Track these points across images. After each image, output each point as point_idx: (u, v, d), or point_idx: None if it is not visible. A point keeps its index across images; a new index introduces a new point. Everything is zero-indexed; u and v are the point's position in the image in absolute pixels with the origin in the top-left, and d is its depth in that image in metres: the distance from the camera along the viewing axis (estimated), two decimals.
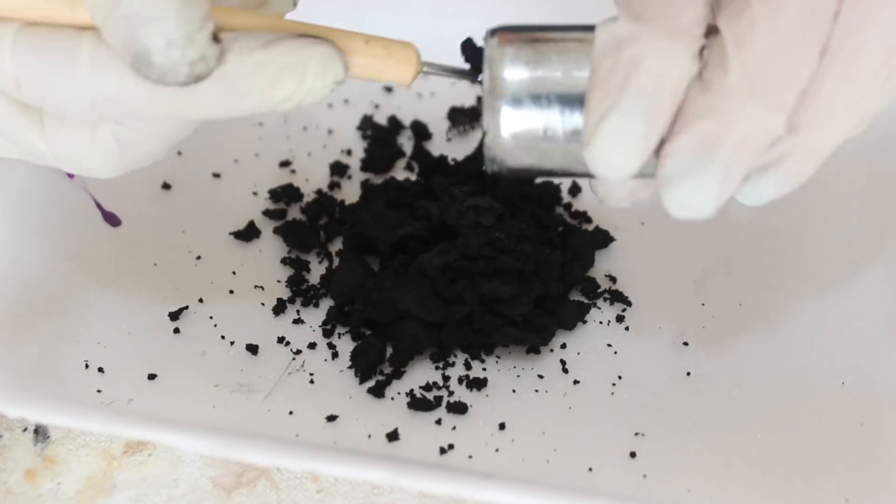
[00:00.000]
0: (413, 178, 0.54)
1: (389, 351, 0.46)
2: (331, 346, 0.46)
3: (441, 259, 0.45)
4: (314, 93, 0.32)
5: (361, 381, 0.45)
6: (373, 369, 0.45)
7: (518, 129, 0.33)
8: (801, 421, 0.44)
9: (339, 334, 0.47)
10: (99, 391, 0.44)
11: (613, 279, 0.49)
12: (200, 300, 0.48)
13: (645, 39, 0.30)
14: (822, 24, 0.30)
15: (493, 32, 0.34)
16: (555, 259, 0.47)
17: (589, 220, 0.52)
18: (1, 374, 0.43)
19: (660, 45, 0.30)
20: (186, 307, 0.47)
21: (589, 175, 0.33)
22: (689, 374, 0.46)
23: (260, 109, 0.32)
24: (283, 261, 0.49)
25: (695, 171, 0.31)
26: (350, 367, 0.45)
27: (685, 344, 0.47)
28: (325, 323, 0.47)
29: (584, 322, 0.47)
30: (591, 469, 0.42)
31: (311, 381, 0.45)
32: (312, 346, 0.46)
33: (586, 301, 0.48)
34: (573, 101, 0.33)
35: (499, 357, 0.46)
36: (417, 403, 0.44)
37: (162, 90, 0.31)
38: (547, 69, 0.33)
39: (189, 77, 0.30)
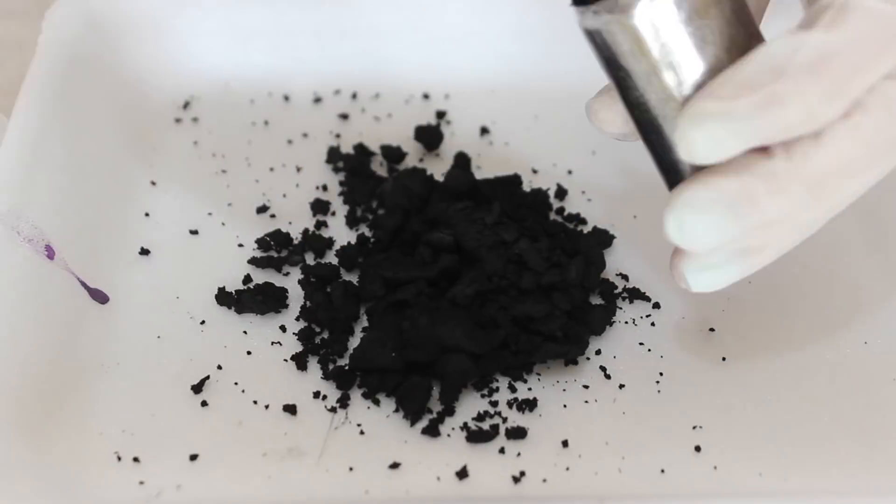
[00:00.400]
0: None
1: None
2: (367, 395, 0.44)
3: (473, 288, 0.44)
4: None
5: (413, 423, 0.43)
6: (423, 409, 0.43)
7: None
8: (838, 387, 0.45)
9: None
10: (142, 483, 0.41)
11: (626, 277, 0.50)
12: (219, 367, 0.45)
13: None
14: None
15: None
16: (574, 267, 0.47)
17: (584, 222, 0.52)
18: (33, 482, 0.40)
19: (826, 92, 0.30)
20: (208, 377, 0.45)
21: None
22: (724, 359, 0.46)
23: None
24: (298, 316, 0.47)
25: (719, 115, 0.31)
26: (396, 412, 0.44)
27: (711, 330, 0.48)
28: (360, 385, 0.45)
29: (611, 325, 0.47)
30: (663, 471, 0.42)
31: (362, 433, 0.43)
32: (349, 396, 0.44)
33: (607, 303, 0.48)
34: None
35: (539, 374, 0.45)
36: (476, 436, 0.43)
37: None
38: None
39: None
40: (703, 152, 0.32)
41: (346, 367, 0.45)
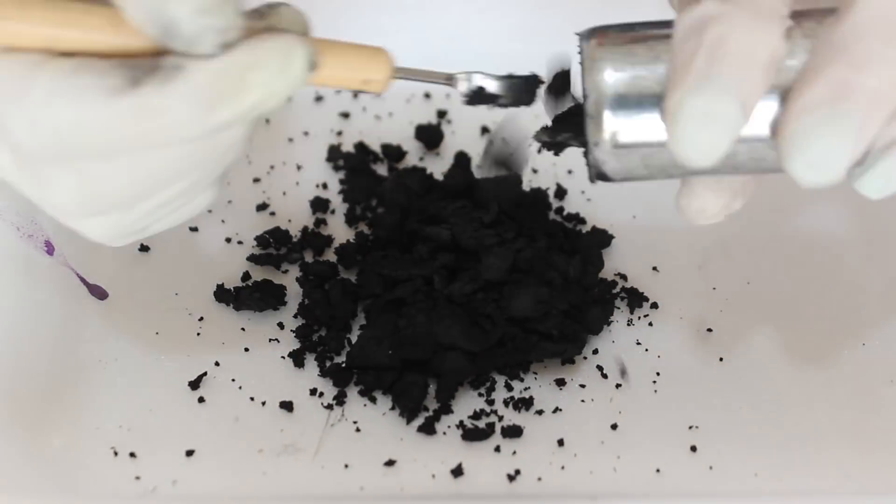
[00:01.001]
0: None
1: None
2: (364, 392, 0.44)
3: (471, 286, 0.45)
4: (287, 87, 0.30)
5: (409, 421, 0.43)
6: (419, 407, 0.44)
7: (623, 133, 0.32)
8: (835, 388, 0.46)
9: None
10: (138, 478, 0.41)
11: (624, 277, 0.50)
12: (217, 363, 0.45)
13: (731, 17, 0.29)
14: None
15: (589, 36, 0.32)
16: (572, 266, 0.47)
17: (583, 221, 0.52)
18: (31, 476, 0.40)
19: (747, 23, 0.29)
20: (205, 373, 0.45)
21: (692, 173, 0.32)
22: (721, 359, 0.46)
23: (234, 120, 0.29)
24: (296, 314, 0.47)
25: (830, 123, 0.29)
26: (392, 409, 0.44)
27: (709, 330, 0.48)
28: (357, 382, 0.45)
29: (609, 324, 0.47)
30: (658, 470, 0.42)
31: (358, 430, 0.43)
32: (345, 393, 0.44)
33: (605, 303, 0.48)
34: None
35: (536, 373, 0.46)
36: (471, 434, 0.43)
37: (123, 111, 0.28)
38: (644, 68, 0.31)
39: (214, 46, 0.28)
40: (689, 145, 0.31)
41: (343, 365, 0.45)
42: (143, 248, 0.50)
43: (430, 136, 0.55)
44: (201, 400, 0.44)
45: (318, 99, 0.58)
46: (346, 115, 0.57)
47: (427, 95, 0.58)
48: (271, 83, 0.29)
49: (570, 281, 0.46)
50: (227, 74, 0.29)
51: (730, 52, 0.29)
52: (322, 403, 0.44)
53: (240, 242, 0.50)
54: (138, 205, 0.31)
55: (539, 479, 0.42)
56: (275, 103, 0.30)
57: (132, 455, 0.42)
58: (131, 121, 0.28)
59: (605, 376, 0.45)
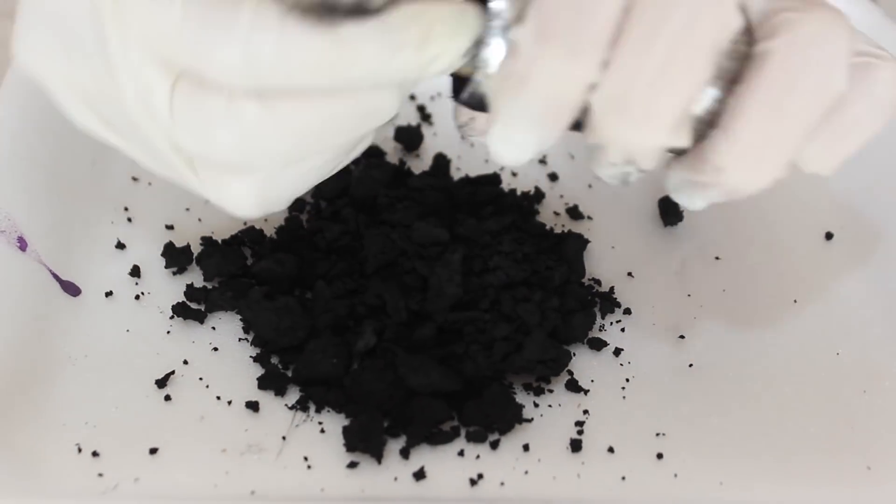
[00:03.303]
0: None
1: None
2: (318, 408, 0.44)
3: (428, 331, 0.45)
4: (458, 51, 0.30)
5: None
6: (379, 450, 0.42)
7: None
8: (807, 397, 0.45)
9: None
10: (101, 475, 0.41)
11: (598, 282, 0.49)
12: (185, 362, 0.45)
13: (540, 60, 0.29)
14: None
15: None
16: (558, 275, 0.47)
17: (580, 216, 0.52)
18: None
19: (555, 68, 0.29)
20: (173, 372, 0.45)
21: None
22: (691, 365, 0.46)
23: (409, 72, 0.30)
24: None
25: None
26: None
27: (681, 337, 0.47)
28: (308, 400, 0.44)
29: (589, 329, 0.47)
30: (623, 478, 0.42)
31: (322, 431, 0.43)
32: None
33: (586, 309, 0.47)
34: None
35: (504, 377, 0.45)
36: (436, 437, 0.43)
37: (318, 43, 0.28)
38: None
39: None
40: (503, 153, 0.32)
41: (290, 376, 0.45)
42: (120, 246, 0.50)
43: (409, 137, 0.55)
44: (168, 398, 0.44)
45: None
46: None
47: (411, 97, 0.58)
48: (450, 42, 0.30)
49: (553, 292, 0.46)
50: (418, 21, 0.29)
51: (531, 94, 0.30)
52: (287, 404, 0.44)
53: (215, 242, 0.50)
54: (312, 157, 0.32)
55: (502, 483, 0.42)
56: (441, 66, 0.30)
57: (95, 454, 0.42)
58: (332, 56, 0.29)
59: (574, 381, 0.45)
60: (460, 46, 0.30)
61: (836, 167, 0.33)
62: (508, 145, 0.31)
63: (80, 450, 0.42)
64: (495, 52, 0.31)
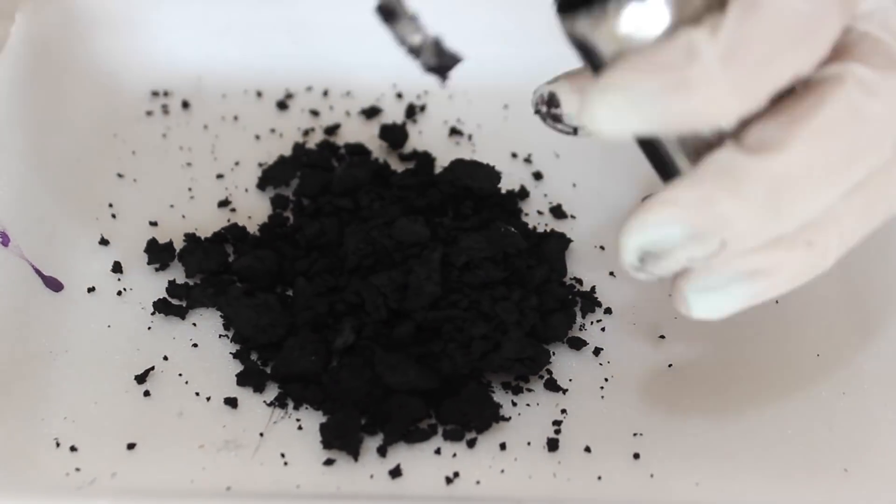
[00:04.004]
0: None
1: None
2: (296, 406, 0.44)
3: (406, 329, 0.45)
4: None
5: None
6: (356, 448, 0.42)
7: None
8: (786, 398, 0.45)
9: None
10: (78, 469, 0.41)
11: (580, 281, 0.49)
12: (165, 358, 0.45)
13: (713, 85, 0.29)
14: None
15: None
16: (537, 276, 0.47)
17: (563, 216, 0.52)
18: None
19: (720, 97, 0.29)
20: (153, 367, 0.45)
21: None
22: (671, 365, 0.46)
23: None
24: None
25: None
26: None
27: (662, 337, 0.47)
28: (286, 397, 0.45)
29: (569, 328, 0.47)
30: (599, 478, 0.42)
31: (300, 428, 0.43)
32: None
33: (566, 309, 0.47)
34: None
35: (482, 376, 0.45)
36: (413, 435, 0.43)
37: None
38: None
39: None
40: (602, 123, 0.30)
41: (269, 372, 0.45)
42: (103, 242, 0.50)
43: (394, 135, 0.55)
44: (147, 394, 0.44)
45: (288, 97, 0.58)
46: (315, 114, 0.57)
47: (399, 95, 0.58)
48: None
49: (533, 291, 0.46)
50: None
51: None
52: (265, 401, 0.44)
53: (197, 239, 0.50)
54: None
55: (478, 482, 0.42)
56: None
57: (73, 448, 0.42)
58: None
59: (553, 381, 0.45)
60: None
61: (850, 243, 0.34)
62: (614, 117, 0.30)
63: (58, 444, 0.42)
64: (633, 16, 0.30)
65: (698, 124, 0.30)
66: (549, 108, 0.38)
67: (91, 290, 0.48)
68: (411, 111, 0.57)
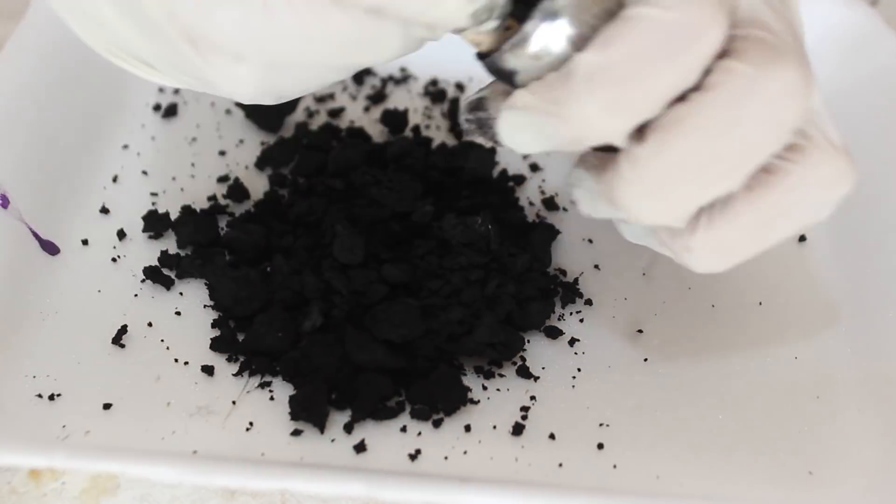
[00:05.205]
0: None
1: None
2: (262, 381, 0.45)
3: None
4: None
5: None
6: (322, 421, 0.43)
7: None
8: (759, 398, 0.45)
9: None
10: (55, 425, 0.42)
11: (563, 272, 0.50)
12: (150, 324, 0.47)
13: (583, 102, 0.30)
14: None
15: None
16: (519, 264, 0.47)
17: (555, 207, 0.53)
18: None
19: (593, 117, 0.30)
20: (125, 327, 0.46)
21: None
22: (646, 360, 0.46)
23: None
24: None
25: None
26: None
27: (640, 332, 0.48)
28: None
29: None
30: (560, 465, 0.42)
31: (272, 398, 0.44)
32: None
33: (545, 298, 0.48)
34: None
35: (456, 359, 0.46)
36: (380, 413, 0.44)
37: None
38: None
39: None
40: (507, 141, 0.32)
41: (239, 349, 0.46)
42: (104, 211, 0.51)
43: (395, 120, 0.56)
44: (128, 357, 0.45)
45: None
46: (320, 100, 0.58)
47: (402, 78, 0.59)
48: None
49: (513, 278, 0.47)
50: None
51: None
52: (232, 373, 0.45)
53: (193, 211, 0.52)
54: (303, 68, 0.32)
55: (445, 457, 0.42)
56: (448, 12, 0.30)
57: (52, 400, 0.43)
58: None
59: (525, 367, 0.46)
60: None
61: (733, 256, 0.34)
62: (515, 135, 0.32)
63: (39, 396, 0.43)
64: (539, 37, 0.31)
65: (582, 143, 0.31)
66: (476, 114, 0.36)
67: (87, 255, 0.49)
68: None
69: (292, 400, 0.43)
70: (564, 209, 0.53)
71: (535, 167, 0.55)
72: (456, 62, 0.58)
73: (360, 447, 0.42)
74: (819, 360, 0.47)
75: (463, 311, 0.45)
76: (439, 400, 0.44)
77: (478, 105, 0.34)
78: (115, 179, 0.53)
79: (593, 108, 0.29)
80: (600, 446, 0.43)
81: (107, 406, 0.43)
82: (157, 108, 0.58)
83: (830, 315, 0.48)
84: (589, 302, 0.48)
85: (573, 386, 0.45)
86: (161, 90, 0.58)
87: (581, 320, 0.48)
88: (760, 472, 0.42)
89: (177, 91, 0.58)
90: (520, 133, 0.31)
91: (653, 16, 0.29)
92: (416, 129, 0.56)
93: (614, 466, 0.42)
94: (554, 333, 0.47)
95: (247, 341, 0.45)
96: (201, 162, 0.54)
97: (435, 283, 0.46)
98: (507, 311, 0.45)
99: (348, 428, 0.43)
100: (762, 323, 0.48)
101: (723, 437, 0.44)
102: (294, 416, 0.43)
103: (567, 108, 0.30)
